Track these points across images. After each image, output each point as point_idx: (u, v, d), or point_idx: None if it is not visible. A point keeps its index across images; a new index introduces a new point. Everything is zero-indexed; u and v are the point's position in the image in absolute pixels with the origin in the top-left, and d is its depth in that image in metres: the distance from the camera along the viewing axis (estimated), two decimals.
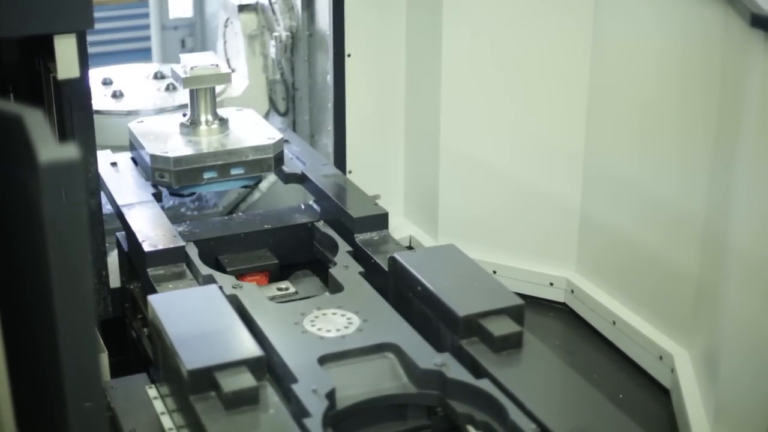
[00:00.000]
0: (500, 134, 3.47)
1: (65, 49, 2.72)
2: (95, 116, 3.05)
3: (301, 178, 3.31)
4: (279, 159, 3.26)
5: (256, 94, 4.15)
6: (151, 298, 2.57)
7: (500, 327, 2.47)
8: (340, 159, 3.63)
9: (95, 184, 3.08)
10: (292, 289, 3.13)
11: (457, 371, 2.34)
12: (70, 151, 1.29)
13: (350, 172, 3.65)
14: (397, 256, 2.74)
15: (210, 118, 3.32)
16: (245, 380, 2.21)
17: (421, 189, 3.75)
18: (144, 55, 5.05)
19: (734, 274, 2.55)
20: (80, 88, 2.90)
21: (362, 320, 2.60)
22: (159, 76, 4.21)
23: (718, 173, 2.71)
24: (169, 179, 3.13)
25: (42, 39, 2.76)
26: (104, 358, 2.72)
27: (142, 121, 3.43)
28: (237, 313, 2.70)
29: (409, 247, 3.74)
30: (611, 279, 3.31)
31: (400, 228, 3.82)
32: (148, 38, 4.95)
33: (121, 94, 4.01)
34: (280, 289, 3.06)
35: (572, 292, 3.44)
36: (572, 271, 3.46)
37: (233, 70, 4.19)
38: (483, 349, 2.45)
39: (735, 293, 2.55)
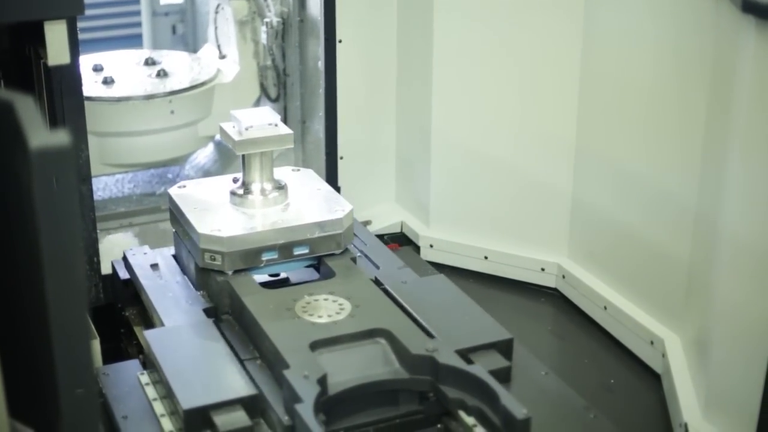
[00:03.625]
0: (492, 120, 3.47)
1: (55, 35, 2.71)
2: (86, 103, 3.05)
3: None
4: (348, 236, 2.86)
5: (247, 80, 4.15)
6: (147, 334, 2.59)
7: (489, 362, 2.48)
8: (331, 145, 3.63)
9: (86, 171, 3.07)
10: (283, 275, 3.13)
11: (448, 356, 2.35)
12: (61, 137, 1.29)
13: (341, 158, 3.65)
14: (387, 287, 2.75)
15: (266, 186, 2.87)
16: (240, 419, 2.24)
17: (413, 175, 3.76)
18: (135, 41, 5.03)
19: (725, 260, 2.56)
20: (71, 74, 2.90)
21: (354, 306, 2.60)
22: (150, 62, 4.19)
23: (710, 159, 2.72)
24: (222, 262, 2.70)
25: (32, 25, 2.75)
26: (96, 345, 2.72)
27: (184, 186, 2.99)
28: (229, 299, 2.72)
29: (402, 234, 3.74)
30: (603, 264, 3.31)
31: (391, 214, 3.82)
32: (138, 24, 4.93)
33: (112, 81, 4.00)
34: (271, 275, 3.06)
35: (564, 277, 3.44)
36: (564, 257, 3.47)
37: (224, 56, 4.18)
38: None
39: (726, 278, 2.56)
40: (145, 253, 3.03)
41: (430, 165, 3.62)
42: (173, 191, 2.95)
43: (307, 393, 2.22)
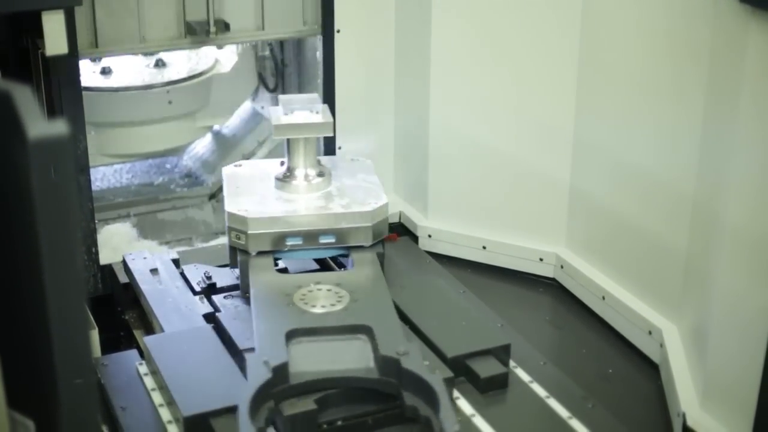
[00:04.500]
0: (490, 110, 3.46)
1: (53, 25, 2.71)
2: (84, 93, 3.05)
3: None
4: (379, 230, 2.84)
5: (245, 71, 4.15)
6: (147, 340, 2.60)
7: (486, 368, 2.49)
8: (329, 136, 3.62)
9: (84, 161, 3.07)
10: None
11: (415, 362, 2.34)
12: (59, 127, 1.29)
13: (340, 148, 3.65)
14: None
15: (309, 171, 2.92)
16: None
17: (411, 165, 3.75)
18: None
19: (723, 249, 2.56)
20: (69, 64, 2.90)
21: (352, 300, 2.60)
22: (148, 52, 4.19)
23: (708, 149, 2.72)
24: (245, 242, 2.76)
25: (30, 15, 2.75)
26: (94, 335, 2.72)
27: (239, 165, 3.07)
28: (243, 279, 2.73)
29: (400, 224, 3.74)
30: (601, 254, 3.31)
31: (390, 205, 3.81)
32: None
33: (110, 71, 4.00)
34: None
35: (562, 267, 3.44)
36: (562, 247, 3.47)
37: (221, 46, 4.18)
38: (470, 389, 2.51)
39: (724, 268, 2.56)
40: (144, 258, 3.05)
41: (428, 155, 3.62)
42: (226, 170, 3.02)
43: (256, 377, 2.23)
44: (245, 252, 2.75)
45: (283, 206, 2.82)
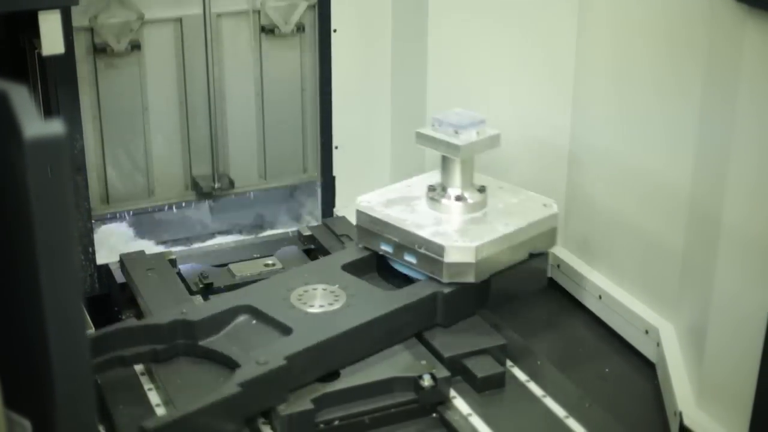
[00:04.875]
0: (486, 107, 3.45)
1: (50, 25, 2.71)
2: None
3: None
4: (454, 272, 2.68)
5: None
6: None
7: (483, 367, 2.49)
8: (326, 135, 3.62)
9: (81, 160, 3.07)
10: (279, 265, 3.14)
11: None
12: (55, 127, 1.29)
13: (336, 147, 3.64)
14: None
15: (464, 192, 2.90)
16: None
17: (408, 164, 3.75)
18: None
19: (720, 248, 2.56)
20: (65, 64, 2.90)
21: (348, 296, 2.63)
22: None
23: (705, 148, 2.72)
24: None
25: (26, 15, 2.75)
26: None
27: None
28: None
29: None
30: (597, 253, 3.31)
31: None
32: None
33: None
34: (266, 265, 3.07)
35: (558, 266, 3.44)
36: (558, 246, 3.46)
37: None
38: (466, 388, 2.52)
39: (720, 267, 2.56)
40: (141, 257, 3.06)
41: (425, 154, 3.61)
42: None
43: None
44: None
45: (405, 215, 2.86)
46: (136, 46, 3.23)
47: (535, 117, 3.38)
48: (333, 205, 3.67)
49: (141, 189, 3.37)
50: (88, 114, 3.21)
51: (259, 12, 3.43)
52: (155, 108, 3.36)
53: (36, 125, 1.28)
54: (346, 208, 3.65)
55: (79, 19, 3.11)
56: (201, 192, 3.40)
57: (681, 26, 2.79)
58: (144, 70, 3.30)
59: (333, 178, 3.65)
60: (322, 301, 2.63)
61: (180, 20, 3.31)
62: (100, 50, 3.18)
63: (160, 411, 2.38)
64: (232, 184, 3.47)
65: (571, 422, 2.44)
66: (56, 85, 2.92)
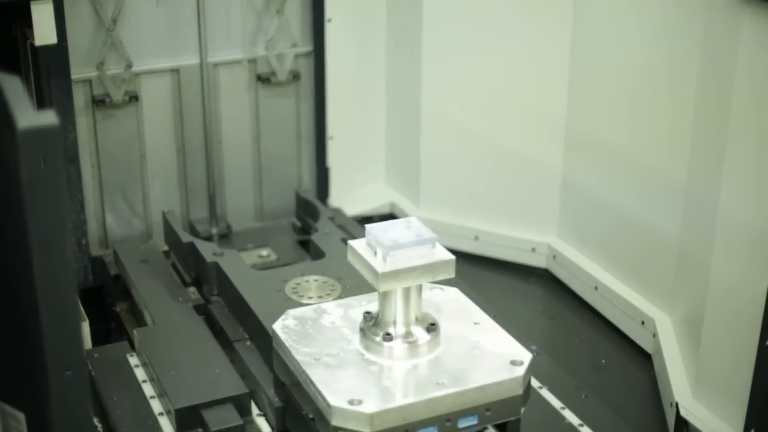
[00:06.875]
0: (482, 99, 3.46)
1: (42, 15, 2.70)
2: None
3: None
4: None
5: None
6: (138, 332, 2.62)
7: None
8: (320, 125, 3.61)
9: (74, 151, 3.06)
10: (273, 256, 3.14)
11: None
12: (48, 118, 1.28)
13: (331, 138, 3.63)
14: None
15: (411, 329, 2.12)
16: (231, 418, 2.28)
17: (403, 155, 3.75)
18: None
19: (716, 239, 2.56)
20: (58, 54, 2.88)
21: (343, 287, 2.62)
22: None
23: (701, 139, 2.71)
24: None
25: (19, 5, 2.74)
26: (85, 327, 2.71)
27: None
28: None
29: (391, 214, 3.73)
30: (593, 244, 3.31)
31: (381, 194, 3.81)
32: None
33: None
34: (261, 256, 3.06)
35: (554, 257, 3.44)
36: (554, 237, 3.47)
37: None
38: None
39: (716, 258, 2.56)
40: (135, 248, 3.06)
41: (419, 145, 3.61)
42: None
43: None
44: None
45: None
46: (133, 97, 3.24)
47: (530, 107, 3.38)
48: (327, 195, 3.66)
49: (139, 233, 3.37)
50: (87, 162, 3.21)
51: (255, 60, 3.44)
52: (153, 154, 3.36)
53: (29, 116, 1.27)
54: (341, 198, 3.65)
55: (79, 71, 3.12)
56: (199, 237, 3.39)
57: (678, 17, 2.78)
58: (142, 119, 3.30)
59: (327, 169, 3.64)
60: (318, 293, 2.62)
61: (177, 70, 3.32)
62: (98, 102, 3.18)
63: (155, 403, 2.39)
64: (229, 228, 3.47)
65: (568, 413, 2.43)
66: (49, 76, 2.91)
